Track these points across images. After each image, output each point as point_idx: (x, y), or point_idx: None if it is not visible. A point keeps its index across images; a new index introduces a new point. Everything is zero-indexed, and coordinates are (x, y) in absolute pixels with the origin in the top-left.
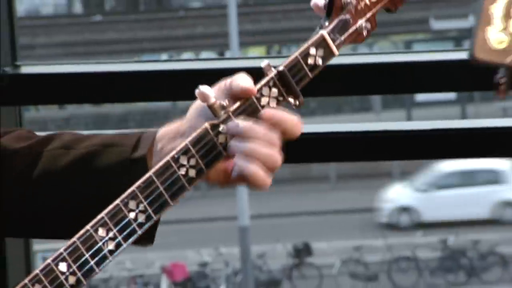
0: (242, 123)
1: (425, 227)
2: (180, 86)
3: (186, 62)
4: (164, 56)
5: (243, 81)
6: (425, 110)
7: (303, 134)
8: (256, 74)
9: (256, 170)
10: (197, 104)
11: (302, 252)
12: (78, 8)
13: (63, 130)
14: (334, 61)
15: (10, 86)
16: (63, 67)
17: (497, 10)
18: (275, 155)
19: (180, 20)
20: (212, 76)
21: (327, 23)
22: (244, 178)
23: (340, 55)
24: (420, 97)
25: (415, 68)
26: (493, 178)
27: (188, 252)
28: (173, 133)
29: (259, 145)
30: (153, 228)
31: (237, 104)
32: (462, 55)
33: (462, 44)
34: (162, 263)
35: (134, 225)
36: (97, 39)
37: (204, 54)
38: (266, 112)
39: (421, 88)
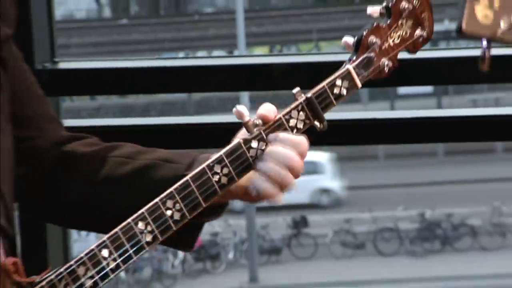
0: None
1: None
2: (194, 80)
3: (200, 59)
4: (181, 54)
5: (264, 107)
6: (407, 102)
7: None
8: (259, 69)
9: (270, 188)
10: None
11: (300, 224)
12: (107, 12)
13: (95, 118)
14: (327, 58)
15: (49, 79)
16: (94, 63)
17: None
18: (290, 177)
19: (195, 23)
20: (221, 71)
21: (354, 58)
22: (260, 195)
23: (334, 53)
24: (402, 90)
25: (398, 65)
26: (312, 168)
27: None
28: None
29: (278, 166)
30: (194, 235)
31: (269, 124)
32: (438, 54)
33: (438, 44)
34: None
35: (170, 221)
36: (123, 39)
37: (215, 53)
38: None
39: (403, 82)
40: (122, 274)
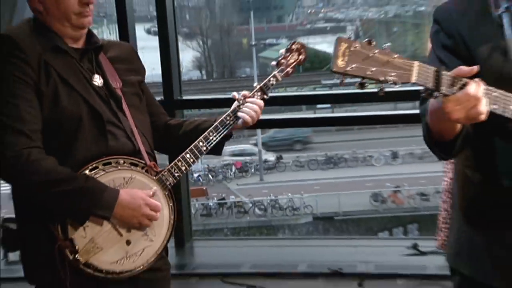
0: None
1: None
2: None
3: None
4: None
5: (244, 92)
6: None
7: None
8: None
9: (250, 120)
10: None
11: None
12: None
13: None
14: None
15: (180, 104)
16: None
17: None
18: (258, 115)
19: None
20: None
21: (277, 70)
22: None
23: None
24: None
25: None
26: None
27: None
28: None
29: (252, 110)
30: (221, 148)
31: (246, 96)
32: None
33: None
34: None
35: (212, 142)
36: None
37: None
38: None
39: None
40: None
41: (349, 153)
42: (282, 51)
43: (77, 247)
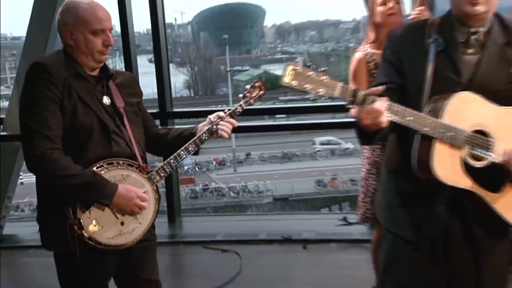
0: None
1: None
2: None
3: None
4: None
5: (218, 113)
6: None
7: None
8: None
9: (225, 134)
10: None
11: None
12: None
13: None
14: None
15: (171, 115)
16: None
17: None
18: (229, 130)
19: None
20: None
21: (243, 101)
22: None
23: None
24: None
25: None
26: None
27: None
28: (202, 125)
29: (227, 127)
30: (197, 152)
31: (221, 117)
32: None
33: None
34: None
35: (191, 150)
36: None
37: None
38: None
39: None
40: None
41: (299, 150)
42: (248, 86)
43: (83, 225)
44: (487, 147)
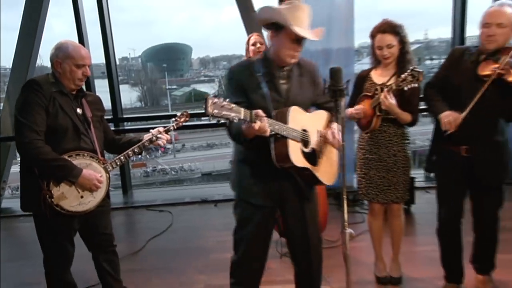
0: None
1: None
2: None
3: None
4: None
5: (157, 129)
6: None
7: None
8: None
9: (162, 143)
10: None
11: None
12: None
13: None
14: None
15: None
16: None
17: None
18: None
19: None
20: None
21: (175, 122)
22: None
23: None
24: None
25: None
26: None
27: None
28: (146, 136)
29: (163, 139)
30: (141, 153)
31: (161, 131)
32: None
33: None
34: None
35: (136, 153)
36: None
37: None
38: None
39: None
40: None
41: (218, 141)
42: (178, 113)
43: (53, 195)
44: (308, 139)
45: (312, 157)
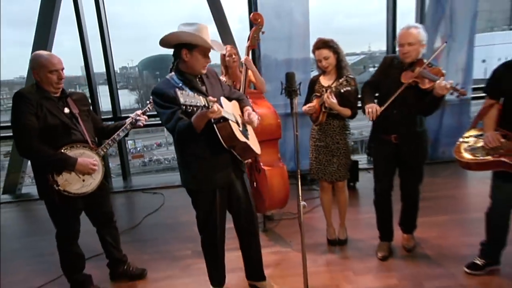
0: None
1: None
2: None
3: None
4: None
5: (136, 112)
6: None
7: None
8: None
9: (142, 124)
10: None
11: None
12: None
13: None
14: None
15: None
16: None
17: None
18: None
19: None
20: None
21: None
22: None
23: None
24: None
25: None
26: None
27: None
28: (128, 120)
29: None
30: (127, 135)
31: (139, 115)
32: None
33: None
34: None
35: (121, 136)
36: None
37: None
38: None
39: None
40: None
41: None
42: (148, 102)
43: (58, 183)
44: (238, 120)
45: (244, 134)
